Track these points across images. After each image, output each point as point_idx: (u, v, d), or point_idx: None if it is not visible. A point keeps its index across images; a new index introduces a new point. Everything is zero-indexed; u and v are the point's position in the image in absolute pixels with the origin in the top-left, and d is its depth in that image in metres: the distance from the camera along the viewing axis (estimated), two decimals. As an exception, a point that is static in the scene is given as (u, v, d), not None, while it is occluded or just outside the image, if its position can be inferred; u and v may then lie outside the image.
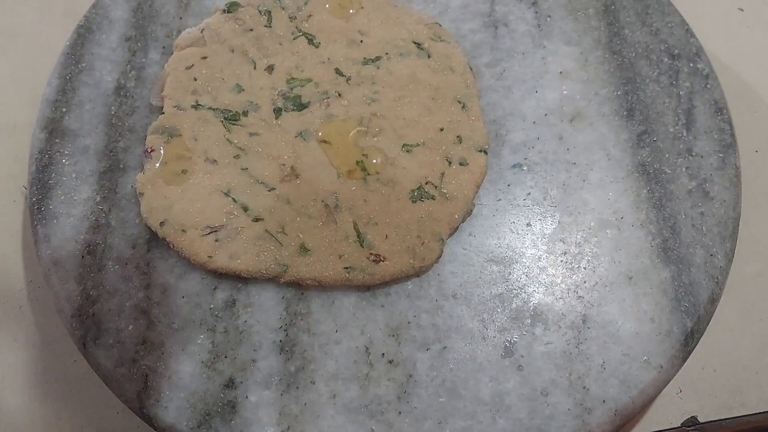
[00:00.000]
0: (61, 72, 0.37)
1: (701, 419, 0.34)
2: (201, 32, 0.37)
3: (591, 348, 0.31)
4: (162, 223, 0.32)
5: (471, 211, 0.34)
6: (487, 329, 0.31)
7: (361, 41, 0.37)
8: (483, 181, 0.34)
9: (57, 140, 0.35)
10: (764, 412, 0.34)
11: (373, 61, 0.36)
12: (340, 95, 0.35)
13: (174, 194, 0.33)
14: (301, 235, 0.32)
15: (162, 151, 0.34)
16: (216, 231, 0.32)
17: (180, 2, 0.39)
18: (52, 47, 0.38)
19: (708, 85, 0.37)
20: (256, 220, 0.32)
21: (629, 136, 0.36)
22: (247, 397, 0.30)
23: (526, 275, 0.33)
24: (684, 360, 0.32)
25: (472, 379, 0.31)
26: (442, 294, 0.32)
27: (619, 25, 0.38)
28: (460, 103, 0.35)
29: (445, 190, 0.33)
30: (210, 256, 0.32)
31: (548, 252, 0.33)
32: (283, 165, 0.34)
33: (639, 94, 0.37)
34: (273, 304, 0.32)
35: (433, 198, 0.33)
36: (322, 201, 0.33)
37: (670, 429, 0.34)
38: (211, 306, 0.32)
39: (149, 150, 0.34)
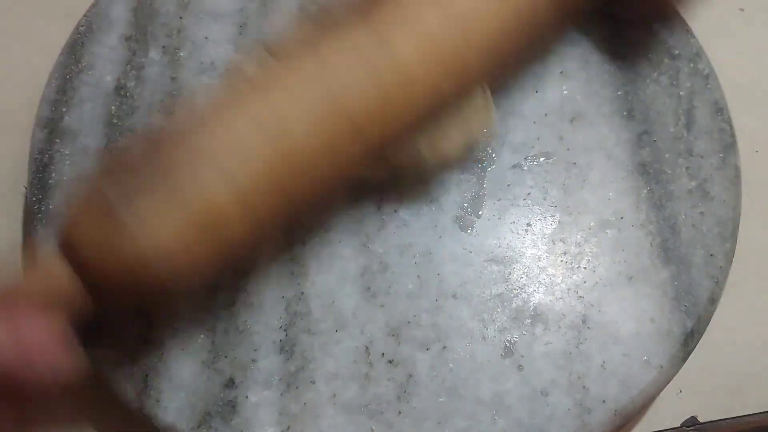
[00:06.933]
0: (61, 72, 0.37)
1: (701, 419, 0.34)
2: None
3: (591, 348, 0.31)
4: None
5: None
6: (487, 329, 0.31)
7: None
8: None
9: (57, 140, 0.35)
10: (764, 412, 0.34)
11: None
12: None
13: None
14: None
15: None
16: None
17: (180, 2, 0.39)
18: (52, 47, 0.38)
19: (708, 85, 0.37)
20: None
21: (629, 136, 0.36)
22: (247, 397, 0.30)
23: (526, 275, 0.33)
24: (684, 360, 0.32)
25: (472, 379, 0.31)
26: (442, 294, 0.32)
27: (620, 25, 0.38)
28: None
29: None
30: None
31: (548, 252, 0.33)
32: None
33: (639, 94, 0.37)
34: (273, 304, 0.32)
35: None
36: None
37: (670, 429, 0.34)
38: (211, 306, 0.32)
39: None
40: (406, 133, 0.30)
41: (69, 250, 0.25)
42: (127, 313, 0.31)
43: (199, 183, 0.25)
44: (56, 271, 0.25)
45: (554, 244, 0.33)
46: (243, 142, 0.26)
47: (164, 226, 0.25)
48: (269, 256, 0.33)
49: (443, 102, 0.30)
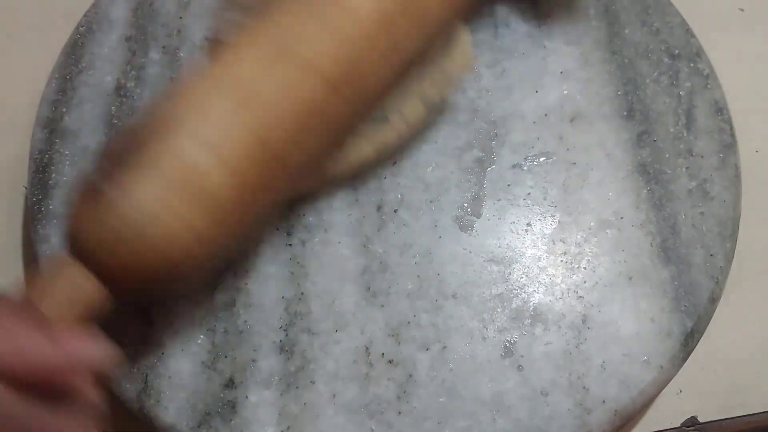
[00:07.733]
0: (61, 72, 0.37)
1: (701, 419, 0.34)
2: None
3: (591, 348, 0.31)
4: None
5: None
6: (487, 329, 0.31)
7: None
8: None
9: (57, 140, 0.35)
10: (764, 412, 0.34)
11: None
12: None
13: None
14: None
15: None
16: None
17: (180, 2, 0.39)
18: (52, 47, 0.38)
19: (708, 85, 0.37)
20: None
21: (629, 136, 0.36)
22: (247, 397, 0.30)
23: (526, 275, 0.33)
24: (684, 360, 0.32)
25: (472, 379, 0.31)
26: (442, 294, 0.32)
27: (620, 25, 0.38)
28: None
29: None
30: None
31: (548, 252, 0.33)
32: None
33: (639, 94, 0.37)
34: (273, 304, 0.32)
35: None
36: None
37: (670, 429, 0.34)
38: (211, 306, 0.32)
39: None
40: (382, 86, 0.31)
41: (78, 248, 0.26)
42: (139, 304, 0.31)
43: (171, 148, 0.26)
44: (72, 274, 0.26)
45: (554, 244, 0.33)
46: (212, 107, 0.27)
47: (144, 191, 0.26)
48: (269, 256, 0.33)
49: (412, 52, 0.31)
